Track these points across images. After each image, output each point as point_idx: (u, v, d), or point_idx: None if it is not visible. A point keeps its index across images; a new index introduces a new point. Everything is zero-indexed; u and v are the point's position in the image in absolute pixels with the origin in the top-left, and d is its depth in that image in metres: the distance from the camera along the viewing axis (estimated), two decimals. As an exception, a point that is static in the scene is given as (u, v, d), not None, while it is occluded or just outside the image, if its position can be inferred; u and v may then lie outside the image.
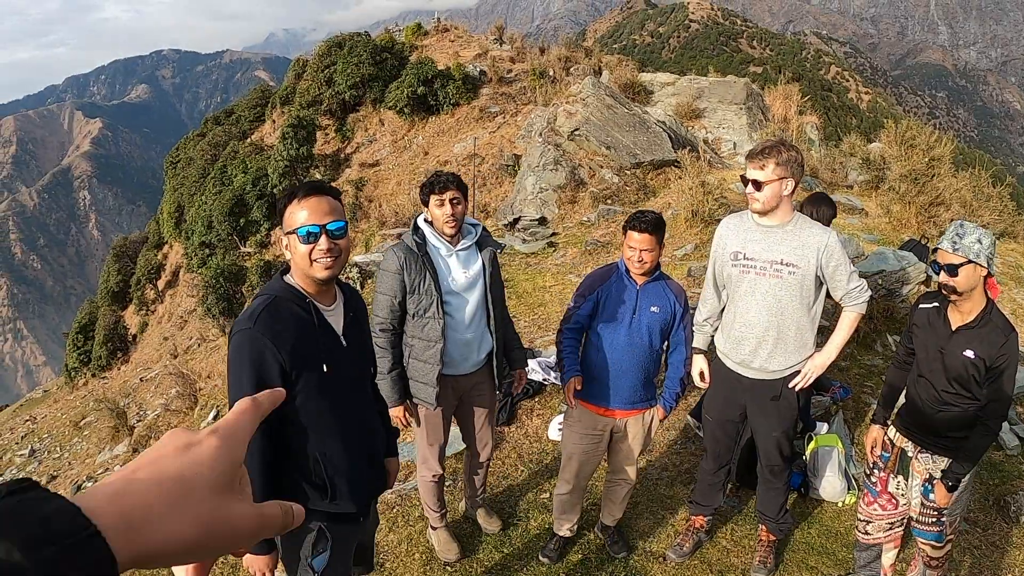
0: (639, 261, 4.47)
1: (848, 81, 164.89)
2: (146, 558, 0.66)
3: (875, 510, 4.46)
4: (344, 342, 3.23)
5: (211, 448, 0.78)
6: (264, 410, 0.90)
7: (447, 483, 6.28)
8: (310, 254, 2.99)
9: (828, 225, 5.67)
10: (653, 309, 4.60)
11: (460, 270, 4.63)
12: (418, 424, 4.84)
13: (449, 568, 5.27)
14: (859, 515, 4.60)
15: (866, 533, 4.56)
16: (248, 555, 3.16)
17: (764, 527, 5.15)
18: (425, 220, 4.68)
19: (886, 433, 4.43)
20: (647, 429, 4.93)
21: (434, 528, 5.40)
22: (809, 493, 6.00)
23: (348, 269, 11.70)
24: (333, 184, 19.83)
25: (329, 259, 3.01)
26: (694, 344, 4.86)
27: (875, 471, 4.46)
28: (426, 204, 4.57)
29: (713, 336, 4.99)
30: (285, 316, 3.02)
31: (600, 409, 4.79)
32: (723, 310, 4.87)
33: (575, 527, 5.39)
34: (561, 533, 5.38)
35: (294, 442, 3.13)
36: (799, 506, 5.89)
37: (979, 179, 13.81)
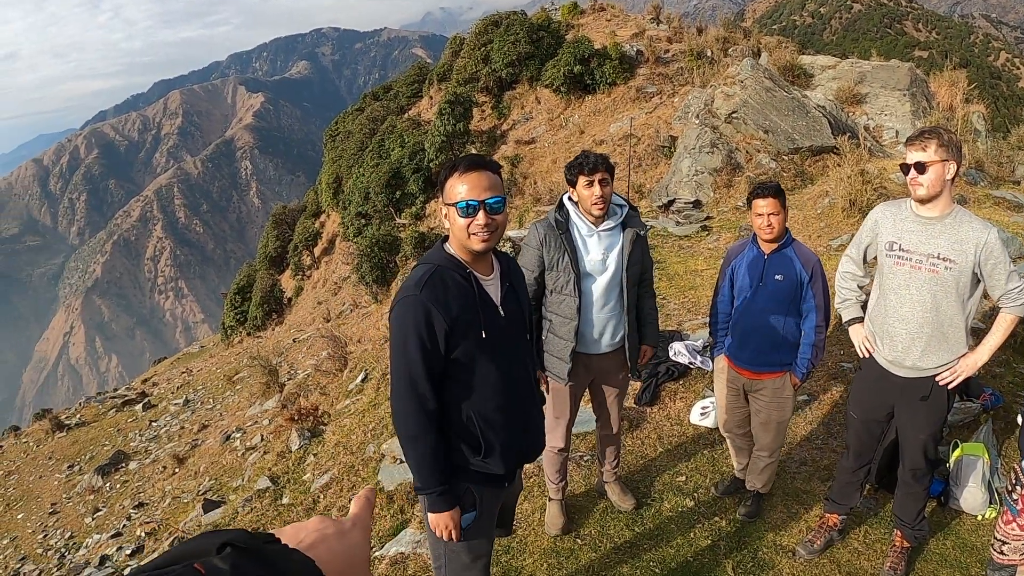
0: (768, 226, 4.83)
1: (1019, 68, 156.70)
2: None
3: (1012, 530, 4.25)
4: (502, 312, 3.36)
5: (359, 537, 1.07)
6: (373, 503, 1.20)
7: (585, 459, 6.42)
8: (468, 227, 3.13)
9: None
10: (778, 277, 4.90)
11: (599, 250, 4.71)
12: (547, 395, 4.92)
13: (579, 541, 5.39)
14: (996, 533, 4.39)
15: (1001, 553, 4.36)
16: (431, 515, 3.33)
17: (899, 532, 5.02)
18: (570, 199, 4.79)
19: None
20: (780, 396, 5.20)
21: (550, 499, 5.55)
22: (948, 503, 5.78)
23: (502, 243, 11.90)
24: (489, 160, 20.18)
25: (486, 233, 3.14)
26: (852, 315, 4.84)
27: (1018, 487, 4.23)
28: (573, 184, 4.66)
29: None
30: (448, 284, 3.17)
31: (734, 367, 5.26)
32: (867, 300, 4.80)
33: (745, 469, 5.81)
34: (734, 471, 5.96)
35: (452, 400, 3.28)
36: (936, 515, 5.70)
37: None
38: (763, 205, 4.82)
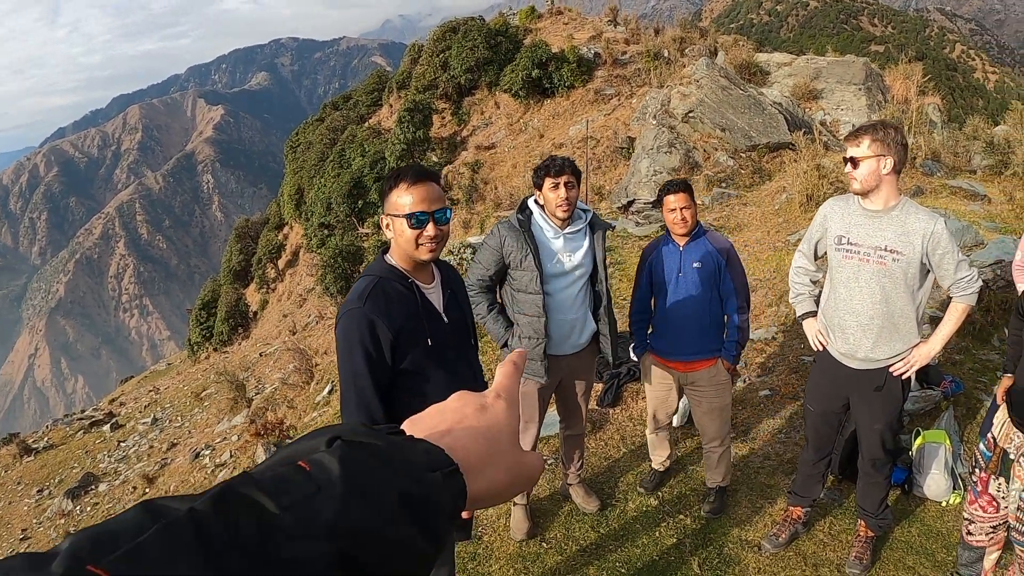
0: (681, 220, 5.03)
1: (974, 60, 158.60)
2: (472, 500, 0.82)
3: (976, 510, 4.33)
4: (445, 319, 3.40)
5: (503, 409, 0.94)
6: (521, 369, 1.06)
7: (549, 462, 6.42)
8: (417, 238, 3.15)
9: None
10: (695, 265, 5.08)
11: (565, 252, 4.74)
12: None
13: (544, 545, 5.38)
14: (964, 513, 4.49)
15: (969, 533, 4.44)
16: None
17: (863, 522, 5.06)
18: (536, 202, 4.81)
19: (990, 431, 4.26)
20: (717, 382, 5.31)
21: (515, 504, 5.54)
22: (912, 490, 5.83)
23: (462, 249, 11.90)
24: (449, 166, 20.08)
25: (434, 244, 3.19)
26: (806, 310, 4.86)
27: (976, 470, 4.32)
28: (539, 187, 4.68)
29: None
30: (391, 294, 3.19)
31: (667, 362, 5.36)
32: (820, 294, 4.84)
33: (667, 462, 6.05)
34: (655, 466, 6.07)
35: (406, 412, 3.24)
36: (901, 503, 5.75)
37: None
38: (674, 200, 5.02)
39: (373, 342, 3.11)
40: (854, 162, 4.19)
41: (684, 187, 5.04)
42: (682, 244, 5.14)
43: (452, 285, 3.56)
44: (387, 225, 3.24)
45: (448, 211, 3.23)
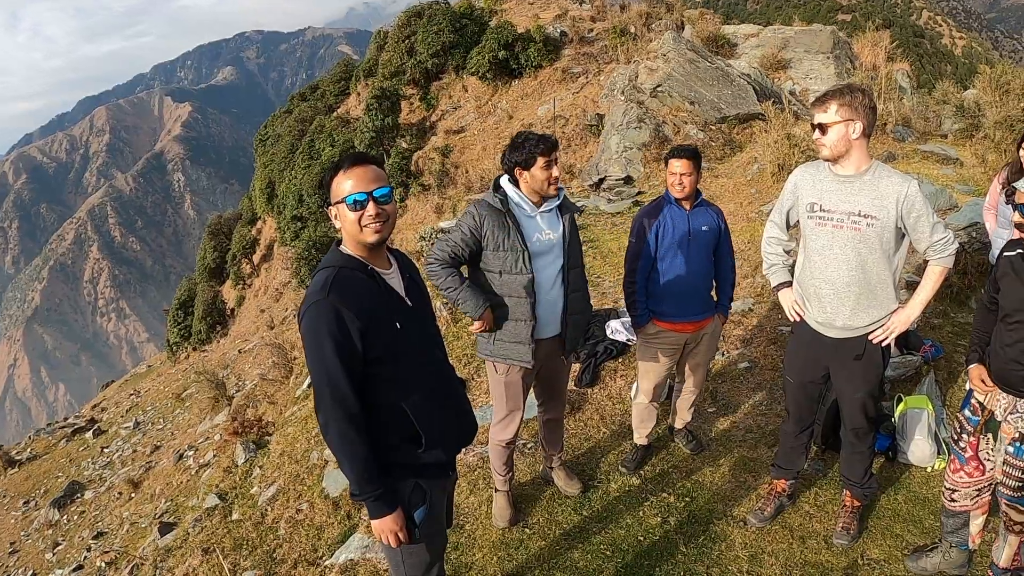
0: (679, 185, 5.15)
1: (941, 26, 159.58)
2: None
3: (960, 477, 4.28)
4: (408, 302, 3.36)
5: None
6: None
7: (528, 446, 6.36)
8: (359, 220, 3.12)
9: None
10: (704, 228, 5.29)
11: (546, 230, 4.67)
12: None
13: (528, 530, 5.31)
14: (945, 482, 4.43)
15: (952, 500, 4.39)
16: (374, 522, 3.25)
17: (848, 492, 5.01)
18: (510, 181, 4.70)
19: (975, 396, 4.22)
20: (714, 337, 5.69)
21: (497, 491, 5.46)
22: (897, 457, 5.80)
23: (435, 234, 11.80)
24: (419, 152, 20.04)
25: (378, 223, 3.16)
26: (781, 280, 4.82)
27: (963, 435, 4.27)
28: (527, 167, 4.54)
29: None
30: (353, 282, 3.14)
31: (676, 326, 5.40)
32: (794, 263, 4.77)
33: (652, 435, 6.03)
34: (640, 442, 6.01)
35: (382, 399, 3.23)
36: (886, 471, 5.72)
37: (1081, 125, 13.29)
38: (677, 165, 5.14)
39: (342, 332, 3.04)
40: (822, 128, 4.13)
41: (690, 154, 5.18)
42: (688, 208, 5.29)
43: (410, 271, 3.52)
44: (335, 216, 3.21)
45: (388, 188, 3.21)
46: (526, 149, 4.50)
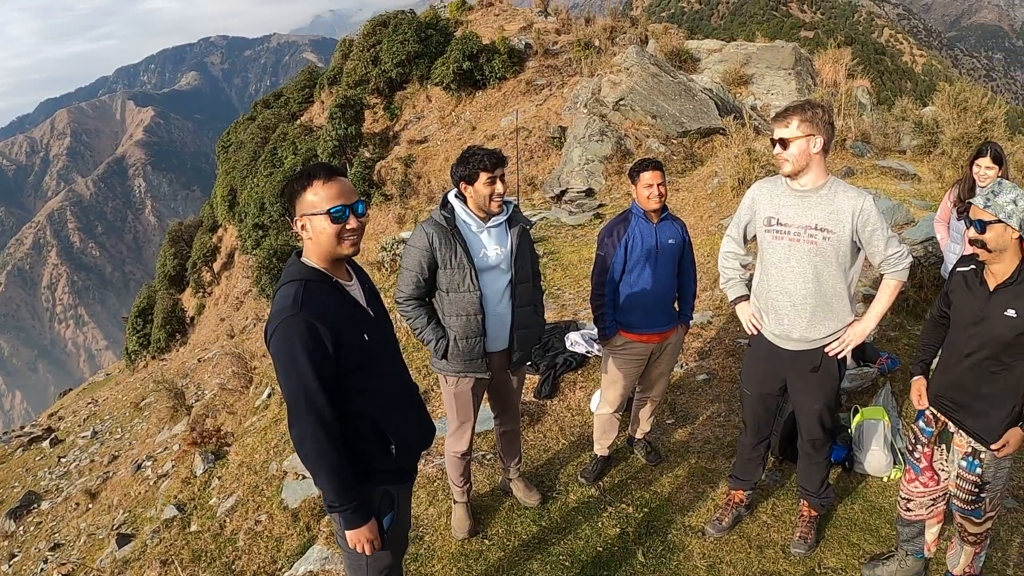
0: (658, 196, 5.20)
1: (902, 44, 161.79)
2: None
3: (916, 487, 4.36)
4: (371, 313, 3.39)
5: None
6: None
7: (487, 457, 6.35)
8: (340, 232, 3.12)
9: None
10: (670, 241, 5.35)
11: (493, 246, 4.67)
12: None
13: (487, 542, 5.31)
14: (901, 492, 4.50)
15: (908, 510, 4.46)
16: (349, 532, 3.25)
17: (805, 502, 5.07)
18: (456, 196, 4.70)
19: (929, 407, 4.28)
20: (677, 347, 5.77)
21: (455, 502, 5.46)
22: (853, 468, 5.89)
23: (395, 245, 11.81)
24: (382, 162, 20.05)
25: (356, 236, 3.18)
26: (738, 294, 4.87)
27: (918, 446, 4.33)
28: (470, 181, 4.53)
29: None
30: (321, 296, 3.13)
31: (643, 337, 5.43)
32: (751, 277, 4.84)
33: (613, 446, 6.05)
34: (602, 453, 6.02)
35: (353, 409, 3.24)
36: (843, 481, 5.80)
37: (1037, 142, 13.53)
38: (650, 176, 5.17)
39: (318, 346, 3.03)
40: (784, 143, 4.17)
41: (658, 164, 5.25)
42: (656, 221, 5.33)
43: (368, 281, 3.54)
44: (302, 227, 3.17)
45: (363, 203, 3.24)
46: (471, 164, 4.50)
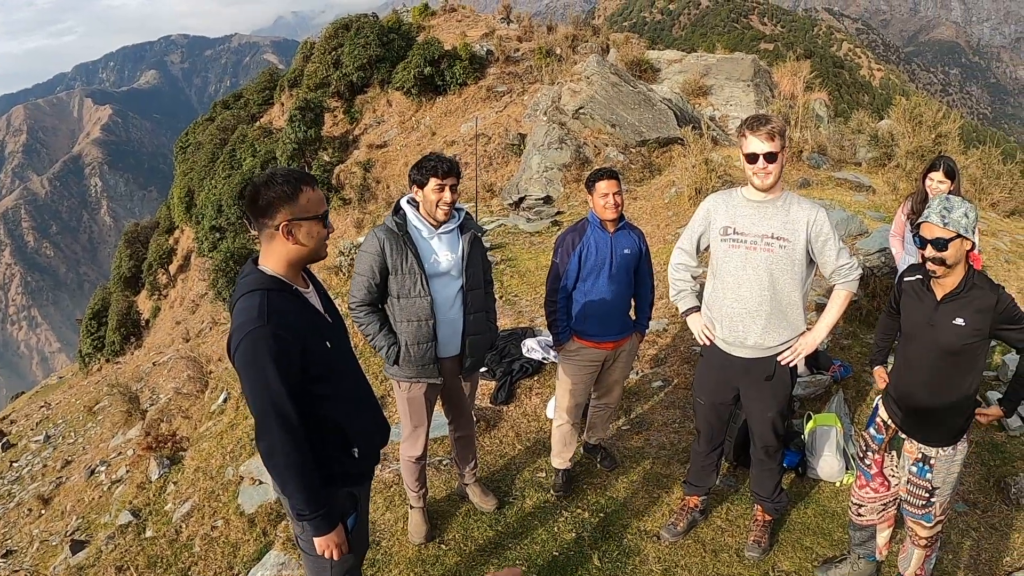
0: (614, 205, 5.22)
1: (860, 58, 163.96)
2: None
3: (867, 493, 4.46)
4: (328, 318, 3.39)
5: None
6: None
7: (444, 463, 6.37)
8: (326, 238, 3.19)
9: None
10: (626, 251, 5.37)
11: (444, 252, 4.69)
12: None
13: (444, 547, 5.31)
14: (852, 497, 4.60)
15: (859, 515, 4.56)
16: (318, 539, 3.26)
17: (759, 507, 5.14)
18: (409, 201, 4.74)
19: (879, 415, 4.39)
20: (632, 355, 5.81)
21: (411, 507, 5.47)
22: (807, 473, 5.97)
23: (353, 250, 11.81)
24: (341, 166, 20.00)
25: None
26: (689, 305, 4.90)
27: (869, 453, 4.43)
28: (421, 185, 4.57)
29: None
30: (284, 306, 3.09)
31: (596, 344, 5.47)
32: (702, 288, 4.90)
33: (574, 458, 5.97)
34: (563, 467, 5.92)
35: (321, 414, 3.25)
36: (796, 486, 5.87)
37: (990, 156, 13.75)
38: (606, 185, 5.20)
39: (286, 357, 3.01)
40: (773, 157, 4.23)
41: (614, 174, 5.27)
42: (612, 231, 5.34)
43: (322, 288, 3.54)
44: (289, 231, 3.09)
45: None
46: (424, 169, 4.54)
